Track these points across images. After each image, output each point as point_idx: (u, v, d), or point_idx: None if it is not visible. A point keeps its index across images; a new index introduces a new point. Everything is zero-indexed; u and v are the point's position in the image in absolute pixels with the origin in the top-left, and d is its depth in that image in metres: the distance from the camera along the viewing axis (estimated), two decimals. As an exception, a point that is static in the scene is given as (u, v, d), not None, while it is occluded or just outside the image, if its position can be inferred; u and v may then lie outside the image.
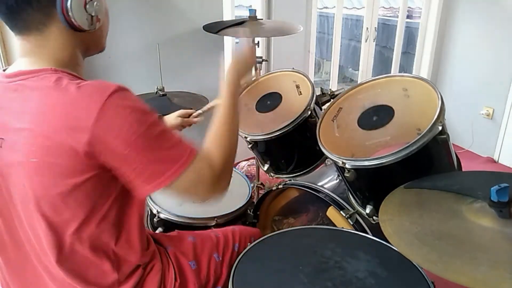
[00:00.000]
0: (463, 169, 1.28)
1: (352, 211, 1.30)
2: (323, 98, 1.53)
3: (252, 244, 1.06)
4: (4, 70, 0.80)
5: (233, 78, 0.99)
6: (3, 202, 0.79)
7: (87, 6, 0.75)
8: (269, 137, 1.39)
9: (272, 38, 2.66)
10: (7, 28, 0.78)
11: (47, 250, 0.78)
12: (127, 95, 0.73)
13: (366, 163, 1.08)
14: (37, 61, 0.77)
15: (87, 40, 0.81)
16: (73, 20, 0.74)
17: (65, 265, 0.79)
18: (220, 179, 0.82)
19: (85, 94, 0.70)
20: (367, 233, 1.20)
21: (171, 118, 1.32)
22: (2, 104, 0.75)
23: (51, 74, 0.74)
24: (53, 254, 0.78)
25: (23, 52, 0.78)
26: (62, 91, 0.70)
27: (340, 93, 1.36)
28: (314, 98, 1.40)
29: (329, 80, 3.35)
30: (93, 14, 0.76)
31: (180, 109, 1.82)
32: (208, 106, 1.33)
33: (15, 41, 0.79)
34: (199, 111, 1.34)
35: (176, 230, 1.15)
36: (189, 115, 1.34)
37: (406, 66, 3.88)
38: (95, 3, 0.77)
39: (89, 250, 0.80)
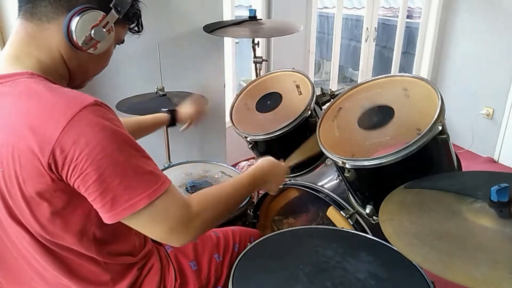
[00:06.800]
0: (463, 169, 1.28)
1: (352, 211, 1.30)
2: (323, 98, 1.53)
3: (252, 244, 1.06)
4: None
5: (263, 170, 1.03)
6: None
7: (93, 29, 0.74)
8: (269, 137, 1.39)
9: (272, 38, 2.66)
10: (7, 27, 0.77)
11: (36, 256, 0.77)
12: (102, 111, 0.69)
13: (366, 163, 1.08)
14: (18, 61, 0.74)
15: (75, 59, 0.78)
16: (72, 28, 0.73)
17: (55, 267, 0.78)
18: (191, 220, 0.76)
19: (58, 103, 0.67)
20: (367, 233, 1.20)
21: (186, 107, 1.31)
22: None
23: (26, 79, 0.71)
24: (42, 259, 0.77)
25: (12, 41, 0.76)
26: (35, 98, 0.68)
27: (340, 93, 1.35)
28: (314, 98, 1.40)
29: (329, 80, 3.35)
30: (93, 37, 0.75)
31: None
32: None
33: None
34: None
35: None
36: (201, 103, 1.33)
37: (406, 66, 3.88)
38: (102, 31, 0.76)
39: (74, 255, 0.79)
